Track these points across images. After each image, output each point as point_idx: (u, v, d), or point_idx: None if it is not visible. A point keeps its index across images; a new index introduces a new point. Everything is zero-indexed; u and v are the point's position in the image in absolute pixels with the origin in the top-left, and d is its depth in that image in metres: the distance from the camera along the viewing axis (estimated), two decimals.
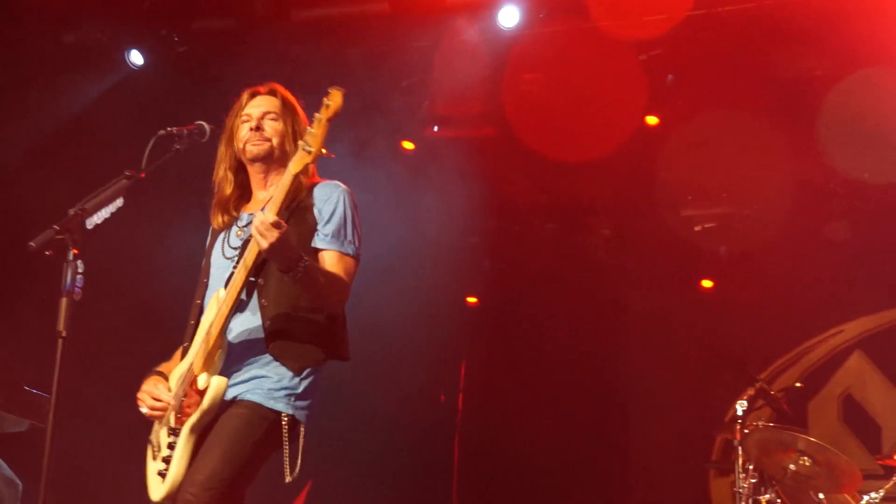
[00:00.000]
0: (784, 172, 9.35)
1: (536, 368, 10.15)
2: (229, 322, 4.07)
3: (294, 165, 3.89)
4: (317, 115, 3.82)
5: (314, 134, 3.81)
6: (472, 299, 10.77)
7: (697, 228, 10.31)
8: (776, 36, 7.94)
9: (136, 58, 8.51)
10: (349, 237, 4.24)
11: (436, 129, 9.36)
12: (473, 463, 10.29)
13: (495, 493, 10.17)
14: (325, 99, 3.82)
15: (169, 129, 4.27)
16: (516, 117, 8.93)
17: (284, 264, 3.88)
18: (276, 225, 3.77)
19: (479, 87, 8.53)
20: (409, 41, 8.35)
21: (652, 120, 9.04)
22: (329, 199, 4.22)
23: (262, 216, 3.81)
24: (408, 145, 9.38)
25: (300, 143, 3.87)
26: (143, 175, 4.08)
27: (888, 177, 9.10)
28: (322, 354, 4.21)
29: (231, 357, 4.10)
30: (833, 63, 8.09)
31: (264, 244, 3.78)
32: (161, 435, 4.19)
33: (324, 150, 3.83)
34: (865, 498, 6.55)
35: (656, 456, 9.95)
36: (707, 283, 10.46)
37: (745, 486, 6.90)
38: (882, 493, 6.53)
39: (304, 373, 4.15)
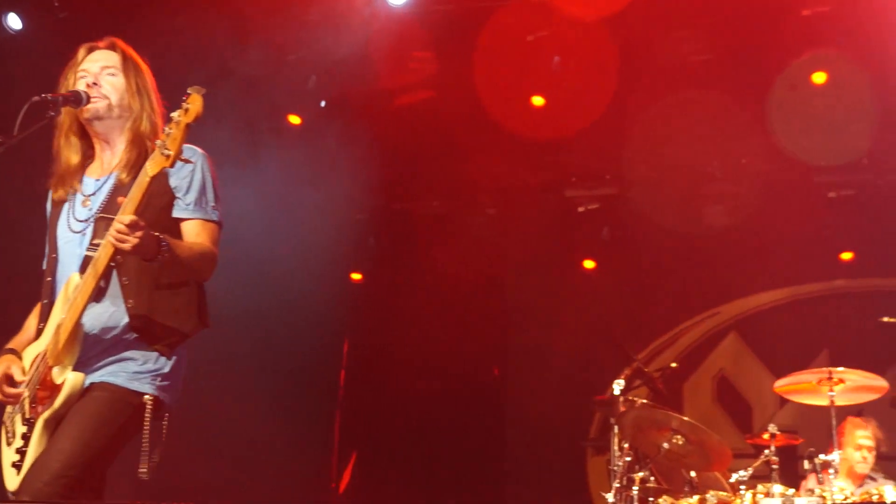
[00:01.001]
0: (666, 156, 9.52)
1: (419, 345, 10.17)
2: (86, 309, 3.85)
3: (151, 167, 3.66)
4: (175, 116, 3.62)
5: (173, 136, 3.60)
6: (356, 276, 10.74)
7: (581, 209, 10.40)
8: (658, 22, 8.05)
9: (13, 21, 8.25)
10: (211, 202, 4.07)
11: (323, 104, 9.26)
12: (354, 440, 10.29)
13: (375, 473, 10.18)
14: (184, 102, 3.63)
15: (43, 95, 4.02)
16: (405, 94, 8.91)
17: (147, 255, 3.74)
18: (134, 226, 3.61)
19: (367, 63, 8.48)
20: (296, 14, 8.25)
21: (538, 101, 9.10)
22: (186, 165, 3.94)
23: (119, 222, 3.63)
24: (294, 120, 9.28)
25: (157, 143, 3.65)
26: (13, 141, 3.90)
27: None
28: (188, 329, 4.05)
29: (90, 340, 3.91)
30: (712, 49, 8.25)
31: (126, 247, 3.63)
32: (16, 422, 4.00)
33: (182, 158, 3.65)
34: (735, 476, 6.70)
35: (535, 434, 10.07)
36: (589, 264, 10.59)
37: (620, 464, 7.01)
38: (751, 470, 6.69)
39: (170, 352, 4.00)
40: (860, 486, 7.04)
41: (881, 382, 7.08)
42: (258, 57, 8.32)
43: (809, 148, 9.38)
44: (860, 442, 7.21)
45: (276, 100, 8.79)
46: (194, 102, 3.63)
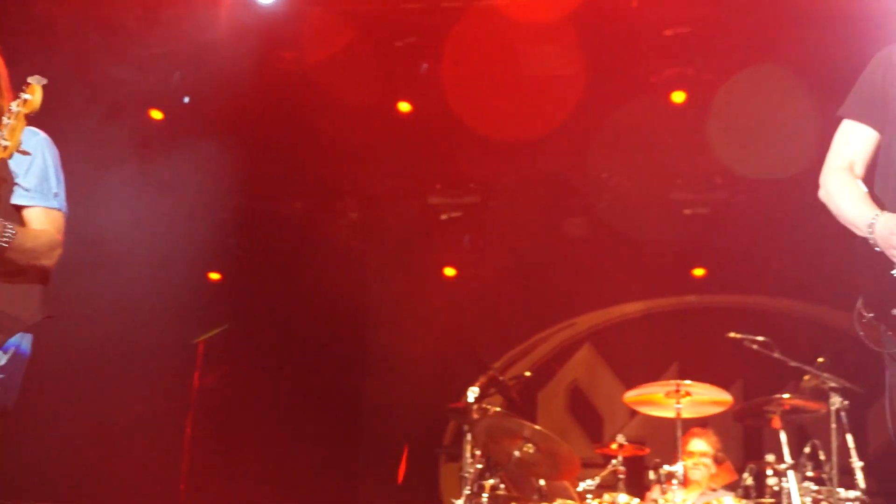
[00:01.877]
0: (529, 167, 9.63)
1: (276, 347, 10.08)
2: None
3: None
4: (14, 107, 3.50)
5: (11, 127, 3.47)
6: (214, 275, 10.59)
7: (444, 217, 10.45)
8: (526, 34, 8.14)
9: None
10: (53, 189, 3.91)
11: (187, 100, 9.12)
12: (206, 441, 10.12)
13: (227, 473, 10.04)
14: (23, 92, 3.52)
15: None
16: (271, 94, 8.83)
17: None
18: None
19: (234, 60, 8.37)
20: (163, 8, 8.11)
21: (404, 107, 9.11)
22: (26, 149, 3.69)
23: None
24: (156, 115, 9.11)
25: None
26: None
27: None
28: (27, 317, 3.84)
29: None
30: (578, 64, 8.37)
31: None
32: None
33: (21, 150, 3.51)
34: (582, 485, 6.81)
35: (390, 439, 10.07)
36: (450, 272, 10.64)
37: (472, 471, 7.05)
38: (598, 479, 6.81)
39: (8, 344, 3.79)
40: (702, 494, 7.22)
41: (726, 396, 7.28)
42: (121, 49, 8.15)
43: (668, 165, 9.62)
44: (691, 449, 7.38)
45: (138, 94, 8.61)
46: (34, 93, 3.52)
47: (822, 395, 6.81)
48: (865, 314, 3.98)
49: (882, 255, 3.89)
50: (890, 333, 3.91)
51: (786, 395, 6.95)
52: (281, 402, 10.04)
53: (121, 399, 8.81)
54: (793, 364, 6.98)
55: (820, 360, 6.89)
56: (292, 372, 10.10)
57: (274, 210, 10.53)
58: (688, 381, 7.07)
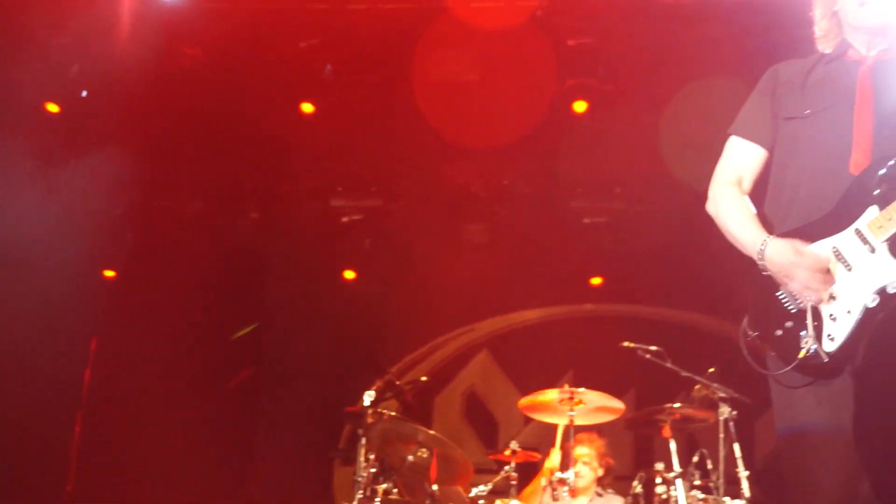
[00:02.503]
0: (431, 172, 9.64)
1: (171, 346, 9.93)
2: None
3: None
4: None
5: None
6: (109, 273, 10.40)
7: (345, 219, 10.40)
8: (430, 39, 8.15)
9: None
10: None
11: (84, 94, 8.94)
12: (97, 440, 9.94)
13: (115, 472, 9.87)
14: None
15: None
16: (173, 90, 8.71)
17: None
18: None
19: (135, 55, 8.24)
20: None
21: (307, 108, 9.06)
22: None
23: None
24: (52, 108, 8.91)
25: None
26: None
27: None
28: None
29: None
30: (480, 70, 8.41)
31: None
32: None
33: None
34: (475, 490, 6.84)
35: (285, 442, 10.00)
36: (349, 275, 10.60)
37: (365, 475, 7.02)
38: (490, 485, 6.84)
39: None
40: (590, 501, 7.29)
41: (618, 404, 7.37)
42: (17, 39, 7.98)
43: (568, 174, 9.71)
44: (576, 454, 7.46)
45: (33, 86, 8.42)
46: None
47: (711, 405, 6.92)
48: (750, 333, 4.05)
49: (769, 276, 3.97)
50: (773, 354, 3.99)
51: (676, 405, 7.06)
52: (175, 402, 9.90)
53: (9, 399, 8.63)
54: (684, 374, 7.09)
55: (710, 370, 7.01)
56: (187, 372, 9.95)
57: (173, 207, 10.38)
58: (581, 389, 7.14)
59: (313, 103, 9.05)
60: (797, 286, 3.85)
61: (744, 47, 7.34)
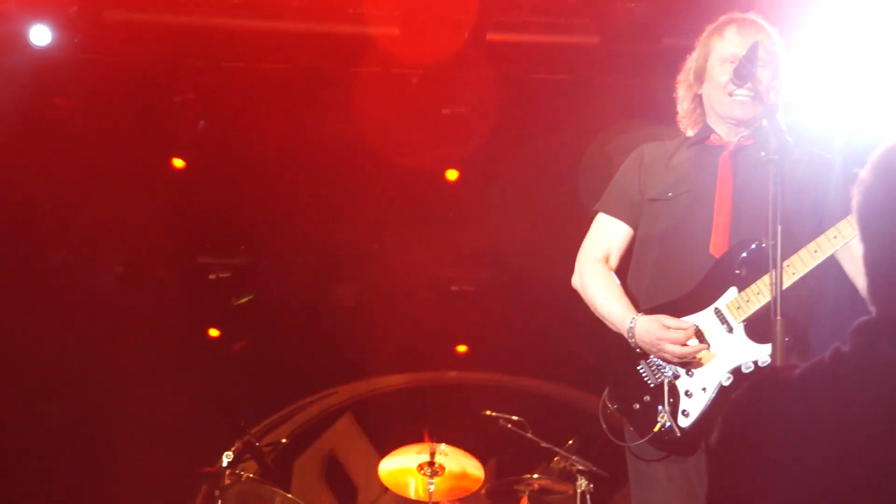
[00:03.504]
0: (300, 231, 9.58)
1: (25, 398, 9.61)
2: None
3: None
4: None
5: None
6: None
7: (212, 277, 10.27)
8: (305, 100, 8.16)
9: None
10: None
11: None
12: None
13: None
14: None
15: None
16: (38, 139, 8.52)
17: None
18: None
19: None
20: None
21: (178, 163, 8.96)
22: None
23: None
24: None
25: None
26: None
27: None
28: None
29: None
30: (354, 133, 8.45)
31: None
32: None
33: None
34: None
35: (138, 502, 9.73)
36: (214, 332, 10.46)
37: None
38: None
39: None
40: None
41: (478, 472, 7.39)
42: None
43: (438, 241, 9.78)
44: None
45: None
46: None
47: (570, 477, 6.98)
48: (610, 405, 4.13)
49: (630, 349, 4.06)
50: (630, 427, 4.06)
51: (535, 475, 7.11)
52: (28, 460, 9.58)
53: None
54: (544, 445, 7.15)
55: (570, 442, 7.08)
56: (39, 427, 9.65)
57: (31, 259, 10.08)
58: (442, 446, 7.15)
59: (184, 158, 8.95)
60: (669, 358, 3.94)
61: (616, 120, 7.52)
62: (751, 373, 3.88)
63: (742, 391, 1.88)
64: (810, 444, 1.70)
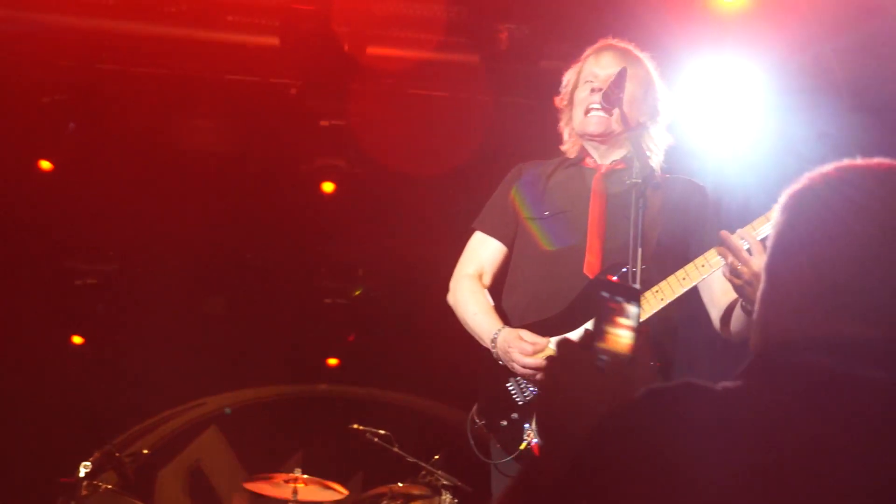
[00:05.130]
0: (171, 239, 9.41)
1: None
2: None
3: None
4: None
5: None
6: None
7: (78, 282, 10.02)
8: (183, 106, 8.05)
9: None
10: None
11: None
12: None
13: None
14: None
15: None
16: None
17: None
18: None
19: None
20: None
21: (46, 165, 8.71)
22: None
23: None
24: None
25: None
26: None
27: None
28: None
29: None
30: (231, 142, 8.35)
31: None
32: None
33: None
34: None
35: None
36: (78, 340, 10.20)
37: None
38: None
39: None
40: None
41: (340, 492, 7.35)
42: None
43: (313, 253, 9.73)
44: None
45: None
46: None
47: (435, 492, 6.99)
48: (477, 421, 4.15)
49: (501, 366, 4.08)
50: (498, 446, 4.08)
51: (400, 484, 7.10)
52: None
53: None
54: (410, 459, 7.15)
55: (436, 457, 7.10)
56: None
57: None
58: (305, 476, 7.11)
59: (52, 160, 8.71)
60: (518, 369, 3.98)
61: (495, 138, 7.58)
62: None
63: (607, 413, 1.88)
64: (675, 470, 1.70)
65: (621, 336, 1.90)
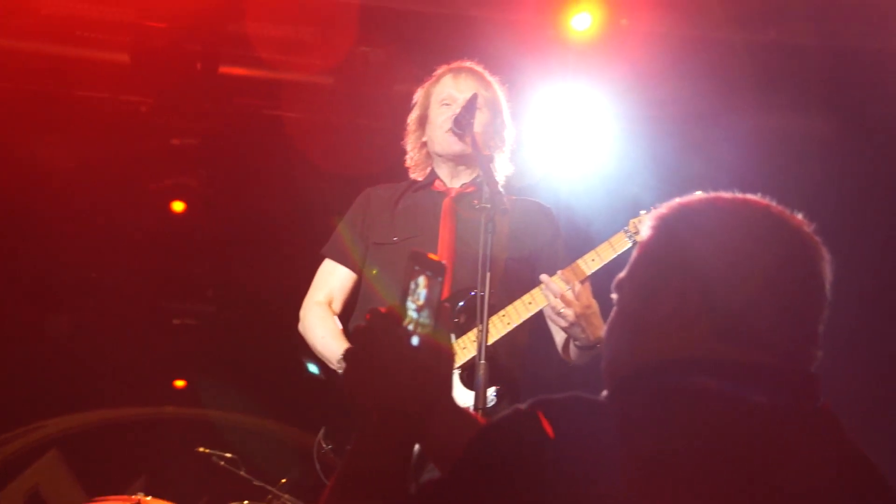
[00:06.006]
0: (10, 257, 9.14)
1: None
2: None
3: None
4: None
5: None
6: None
7: None
8: (30, 123, 7.85)
9: None
10: None
11: None
12: None
13: None
14: None
15: None
16: None
17: None
18: None
19: None
20: None
21: None
22: None
23: None
24: None
25: None
26: None
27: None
28: None
29: None
30: (78, 157, 8.17)
31: None
32: None
33: None
34: None
35: None
36: None
37: None
38: None
39: None
40: None
41: None
42: None
43: (161, 273, 9.56)
44: None
45: None
46: None
47: None
48: (325, 445, 4.14)
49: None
50: None
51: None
52: None
53: None
54: (256, 483, 7.06)
55: (283, 481, 7.04)
56: None
57: None
58: (148, 499, 6.95)
59: None
60: None
61: (346, 160, 7.59)
62: None
63: (490, 423, 1.87)
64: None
65: (428, 309, 1.90)
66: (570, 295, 3.83)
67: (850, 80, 7.14)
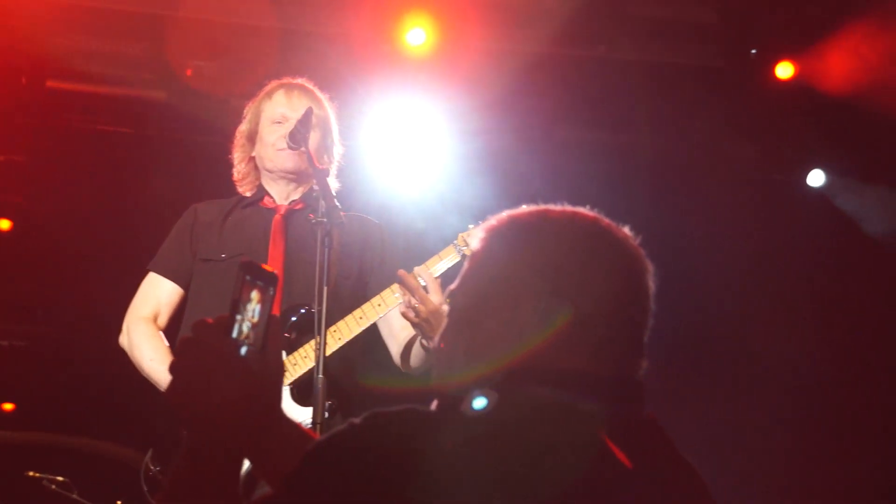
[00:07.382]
0: None
1: None
2: None
3: None
4: None
5: None
6: None
7: None
8: None
9: None
10: None
11: None
12: None
13: None
14: None
15: None
16: None
17: None
18: None
19: None
20: None
21: None
22: None
23: None
24: None
25: None
26: None
27: None
28: None
29: None
30: None
31: None
32: None
33: None
34: None
35: None
36: None
37: None
38: None
39: None
40: None
41: None
42: None
43: None
44: None
45: None
46: None
47: None
48: (152, 467, 4.08)
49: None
50: None
51: None
52: None
53: None
54: None
55: (118, 503, 6.92)
56: None
57: None
58: None
59: None
60: None
61: (177, 177, 7.50)
62: None
63: (327, 435, 1.85)
64: None
65: (259, 321, 1.87)
66: (423, 292, 3.85)
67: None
